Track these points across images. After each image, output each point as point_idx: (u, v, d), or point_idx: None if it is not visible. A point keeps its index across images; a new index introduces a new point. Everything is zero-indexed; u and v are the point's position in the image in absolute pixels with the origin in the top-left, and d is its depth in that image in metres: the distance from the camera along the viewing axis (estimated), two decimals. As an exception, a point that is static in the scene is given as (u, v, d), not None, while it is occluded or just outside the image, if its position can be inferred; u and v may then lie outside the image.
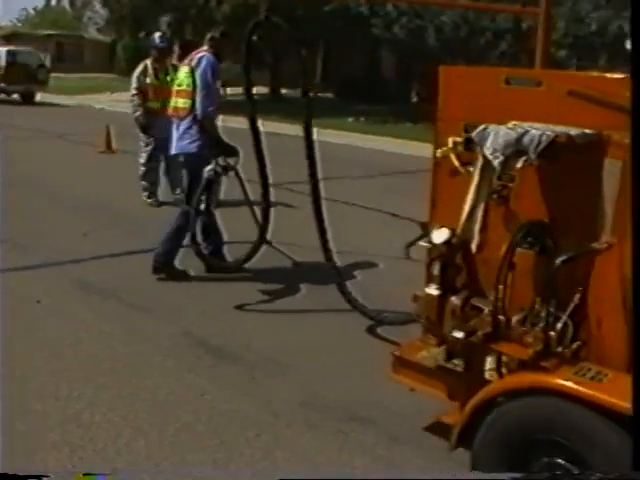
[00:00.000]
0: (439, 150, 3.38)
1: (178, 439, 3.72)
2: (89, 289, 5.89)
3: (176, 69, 8.30)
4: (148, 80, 8.72)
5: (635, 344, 2.52)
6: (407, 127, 18.02)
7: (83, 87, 32.38)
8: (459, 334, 3.13)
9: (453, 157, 3.30)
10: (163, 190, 9.27)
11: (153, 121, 8.68)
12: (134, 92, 8.80)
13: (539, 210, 3.12)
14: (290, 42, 5.24)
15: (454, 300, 3.27)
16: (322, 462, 3.58)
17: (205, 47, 6.29)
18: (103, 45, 47.06)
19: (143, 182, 9.10)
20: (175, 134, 6.31)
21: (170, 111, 6.47)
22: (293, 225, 7.36)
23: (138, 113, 8.82)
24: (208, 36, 6.35)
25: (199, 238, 6.11)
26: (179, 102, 6.30)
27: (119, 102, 23.36)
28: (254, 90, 6.04)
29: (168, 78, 8.46)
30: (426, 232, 7.91)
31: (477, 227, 3.26)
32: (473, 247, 3.31)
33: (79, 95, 29.42)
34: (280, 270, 6.46)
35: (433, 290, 3.33)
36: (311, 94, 5.78)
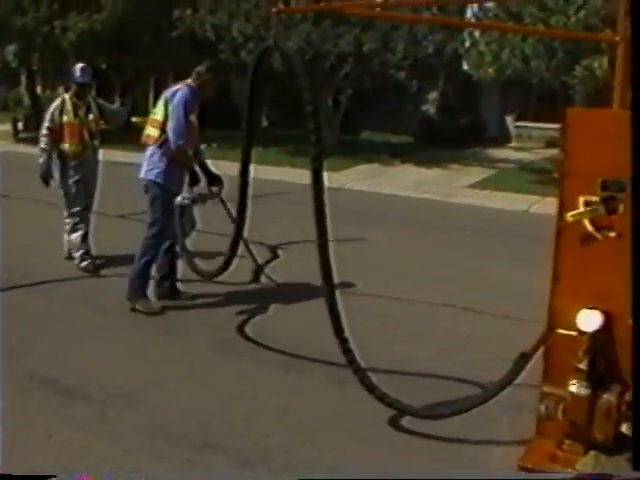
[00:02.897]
0: (571, 213, 2.81)
1: (26, 484, 3.68)
2: None
3: (98, 105, 7.76)
4: (65, 118, 7.53)
5: (635, 346, 2.47)
6: (258, 151, 18.17)
7: None
8: None
9: (587, 221, 2.79)
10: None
11: (72, 165, 7.58)
12: (44, 132, 7.53)
13: None
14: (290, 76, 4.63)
15: (609, 398, 2.74)
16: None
17: (190, 80, 6.29)
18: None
19: (84, 248, 7.65)
20: (144, 160, 6.39)
21: (143, 138, 6.40)
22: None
23: (42, 159, 7.54)
24: (196, 69, 6.31)
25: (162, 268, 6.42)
26: (150, 130, 6.33)
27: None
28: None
29: (90, 116, 7.64)
30: (275, 255, 8.04)
31: None
32: None
33: None
34: (124, 303, 6.45)
35: (582, 389, 2.77)
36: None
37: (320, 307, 6.54)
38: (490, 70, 15.31)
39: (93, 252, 7.72)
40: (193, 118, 6.33)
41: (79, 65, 7.67)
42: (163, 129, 6.20)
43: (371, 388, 4.20)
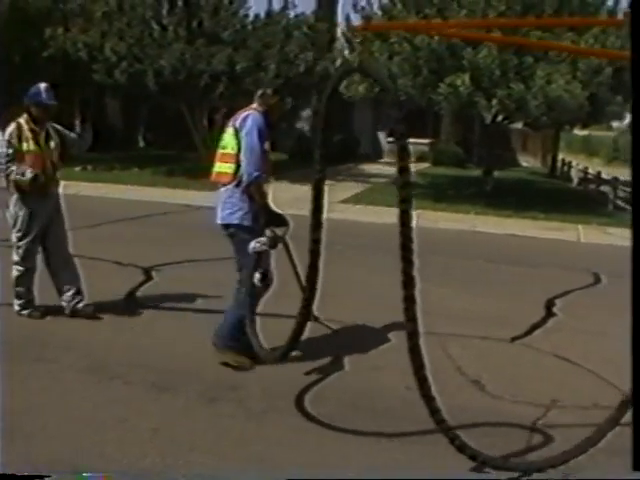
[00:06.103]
0: None
1: None
2: None
3: (58, 132, 6.78)
4: (25, 146, 6.50)
5: (635, 345, 2.50)
6: (134, 173, 18.19)
7: None
8: None
9: None
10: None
11: (31, 198, 6.55)
12: (9, 163, 6.51)
13: None
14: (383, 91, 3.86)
15: None
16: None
17: (254, 105, 5.71)
18: None
19: (18, 288, 6.72)
20: (219, 202, 5.76)
21: (213, 176, 5.76)
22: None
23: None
24: (258, 93, 5.75)
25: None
26: (223, 167, 5.65)
27: None
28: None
29: (51, 144, 6.65)
30: (149, 277, 8.06)
31: None
32: None
33: None
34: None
35: None
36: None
37: (188, 326, 6.65)
38: (360, 88, 15.78)
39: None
40: (267, 147, 5.68)
41: (42, 84, 6.61)
42: (238, 163, 5.56)
43: (462, 448, 3.75)
